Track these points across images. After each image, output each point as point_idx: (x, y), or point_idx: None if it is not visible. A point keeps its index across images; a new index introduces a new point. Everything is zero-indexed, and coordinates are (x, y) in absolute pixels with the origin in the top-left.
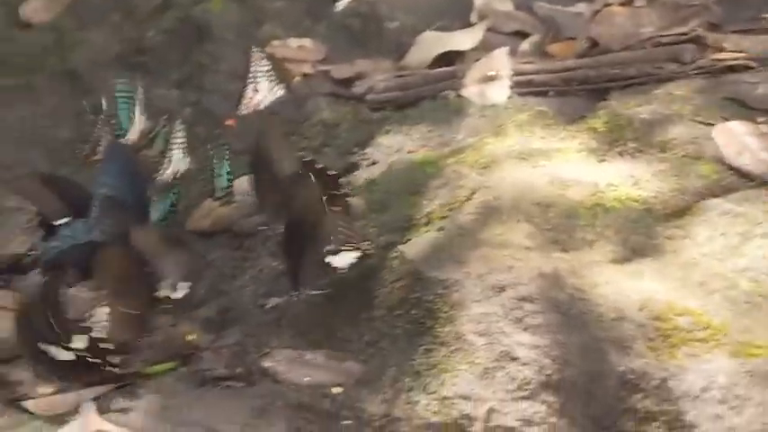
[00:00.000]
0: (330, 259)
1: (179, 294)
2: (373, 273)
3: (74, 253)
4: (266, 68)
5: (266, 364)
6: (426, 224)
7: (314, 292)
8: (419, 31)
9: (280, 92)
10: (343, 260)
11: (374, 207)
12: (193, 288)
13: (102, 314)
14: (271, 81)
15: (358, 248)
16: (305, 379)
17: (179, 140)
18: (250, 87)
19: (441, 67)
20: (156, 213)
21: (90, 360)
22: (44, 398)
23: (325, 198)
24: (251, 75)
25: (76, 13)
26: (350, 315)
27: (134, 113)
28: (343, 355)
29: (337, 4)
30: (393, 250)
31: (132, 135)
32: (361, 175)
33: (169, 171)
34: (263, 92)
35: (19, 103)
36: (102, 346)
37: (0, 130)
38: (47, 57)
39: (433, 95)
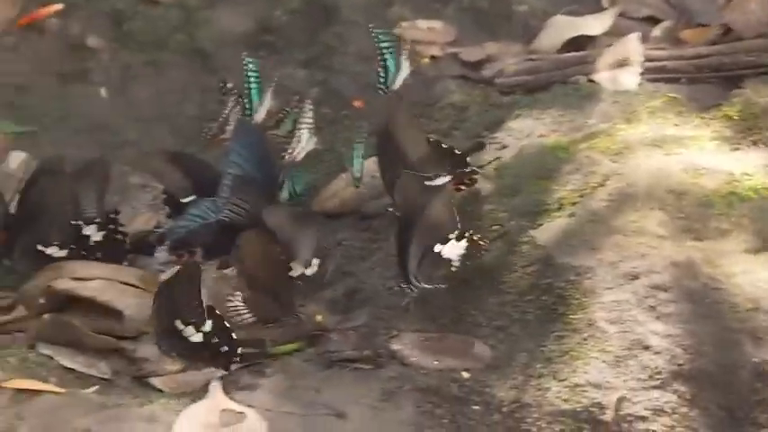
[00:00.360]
0: (439, 249)
1: (310, 272)
2: (504, 257)
3: (202, 232)
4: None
5: (394, 347)
6: (558, 209)
7: (427, 286)
8: (549, 14)
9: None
10: (452, 251)
11: (504, 191)
12: (321, 268)
13: (238, 298)
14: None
15: (466, 237)
16: (433, 363)
17: (307, 121)
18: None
19: (571, 51)
20: (284, 193)
21: (219, 344)
22: (172, 375)
23: (452, 178)
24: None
25: None
26: (479, 299)
27: (262, 93)
28: (472, 339)
29: None
30: (524, 235)
31: (260, 114)
32: (491, 159)
33: (297, 151)
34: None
35: (146, 80)
36: (232, 334)
37: (126, 107)
38: (174, 34)
39: (564, 80)
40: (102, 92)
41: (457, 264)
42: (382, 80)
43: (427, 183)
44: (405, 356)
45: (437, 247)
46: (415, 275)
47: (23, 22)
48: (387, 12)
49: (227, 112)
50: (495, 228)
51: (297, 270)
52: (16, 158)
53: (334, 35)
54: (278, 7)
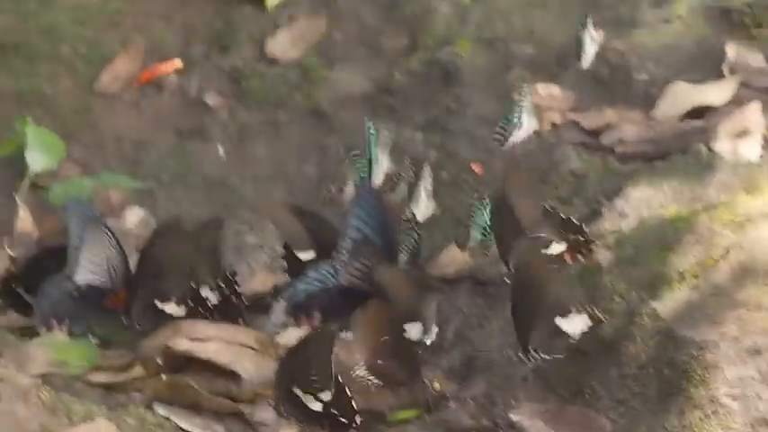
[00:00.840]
0: (560, 322)
1: (429, 340)
2: (624, 328)
3: (321, 296)
4: (528, 103)
5: (513, 417)
6: (679, 282)
7: (546, 357)
8: (668, 82)
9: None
10: (573, 325)
11: (624, 262)
12: (439, 334)
13: (363, 366)
14: (531, 116)
15: (589, 313)
16: None
17: (425, 184)
18: (515, 121)
19: (691, 119)
20: (402, 257)
21: (337, 415)
22: None
23: (567, 247)
24: (517, 108)
25: (323, 51)
26: (599, 371)
27: (381, 155)
28: (592, 412)
29: (582, 59)
30: (645, 307)
31: (378, 177)
32: (610, 228)
33: (416, 215)
34: (525, 128)
35: (263, 138)
36: (352, 402)
37: (243, 166)
38: (292, 93)
39: (684, 149)
40: (220, 150)
41: (577, 337)
42: (502, 131)
43: (543, 251)
44: (524, 427)
45: (557, 320)
46: (535, 346)
47: (144, 78)
48: (506, 75)
49: (344, 173)
50: (615, 299)
51: (415, 335)
52: (133, 215)
53: (454, 97)
54: (397, 68)
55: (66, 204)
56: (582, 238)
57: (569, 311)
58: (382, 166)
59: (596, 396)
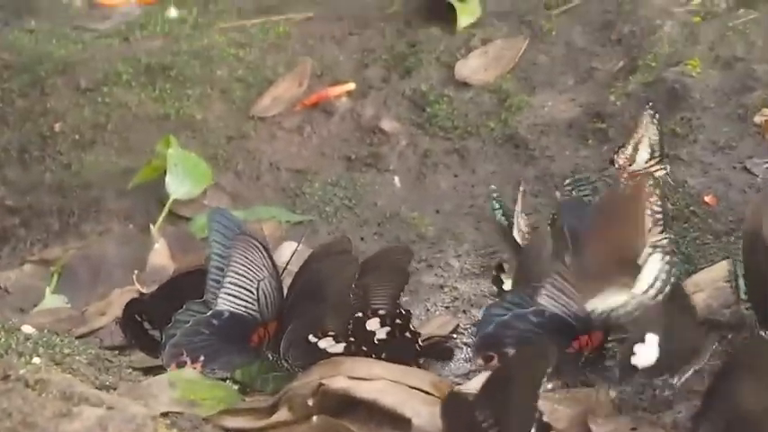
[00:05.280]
0: None
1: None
2: None
3: (516, 325)
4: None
5: None
6: None
7: None
8: None
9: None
10: None
11: None
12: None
13: None
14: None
15: None
16: None
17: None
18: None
19: None
20: None
21: None
22: None
23: None
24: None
25: (523, 74)
26: None
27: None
28: None
29: None
30: None
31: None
32: None
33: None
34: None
35: (448, 169)
36: None
37: (423, 199)
38: (485, 120)
39: None
40: (396, 180)
41: None
42: None
43: None
44: None
45: None
46: None
47: (310, 102)
48: (746, 97)
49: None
50: None
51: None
52: (289, 250)
53: (682, 121)
54: (612, 91)
55: (209, 215)
56: None
57: None
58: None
59: None
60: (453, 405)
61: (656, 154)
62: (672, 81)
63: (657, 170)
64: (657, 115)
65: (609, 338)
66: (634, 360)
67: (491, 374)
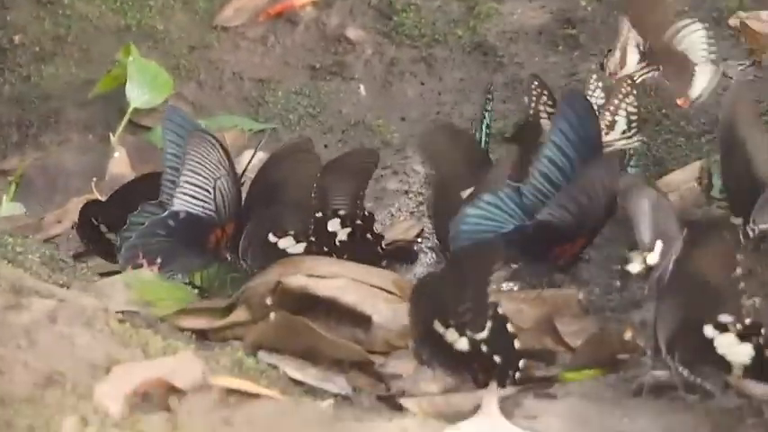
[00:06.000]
0: None
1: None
2: None
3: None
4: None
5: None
6: None
7: None
8: None
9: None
10: None
11: None
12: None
13: None
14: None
15: None
16: None
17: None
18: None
19: None
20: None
21: (493, 355)
22: (430, 397)
23: None
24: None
25: None
26: None
27: None
28: None
29: None
30: None
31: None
32: None
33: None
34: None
35: (415, 77)
36: (515, 342)
37: (389, 107)
38: (453, 28)
39: None
40: (361, 89)
41: None
42: None
43: None
44: (745, 385)
45: None
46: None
47: (274, 11)
48: (721, 1)
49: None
50: None
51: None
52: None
53: None
54: None
55: (164, 114)
56: None
57: None
58: None
59: None
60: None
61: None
62: None
63: (650, 71)
64: None
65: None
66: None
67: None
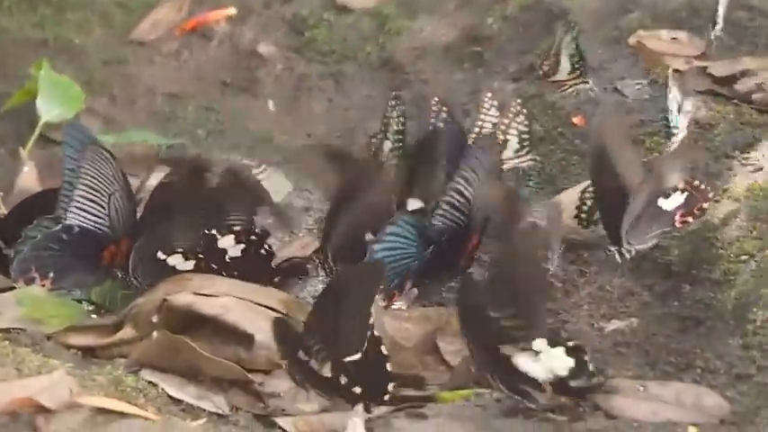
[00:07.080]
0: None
1: None
2: (751, 292)
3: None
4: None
5: (599, 395)
6: None
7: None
8: None
9: None
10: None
11: (761, 216)
12: None
13: None
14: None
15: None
16: (650, 415)
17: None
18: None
19: None
20: None
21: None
22: (306, 416)
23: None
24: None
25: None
26: (716, 341)
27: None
28: (703, 389)
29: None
30: None
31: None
32: (742, 182)
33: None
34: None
35: (322, 93)
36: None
37: (296, 123)
38: (363, 44)
39: None
40: (270, 105)
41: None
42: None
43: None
44: (612, 408)
45: (659, 201)
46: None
47: (189, 26)
48: (622, 19)
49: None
50: (742, 257)
51: None
52: (159, 176)
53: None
54: (490, 14)
55: (64, 129)
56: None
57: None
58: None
59: (711, 370)
60: (282, 330)
61: (578, 67)
62: (549, 3)
63: (579, 83)
64: (576, 30)
65: None
66: None
67: (322, 293)
